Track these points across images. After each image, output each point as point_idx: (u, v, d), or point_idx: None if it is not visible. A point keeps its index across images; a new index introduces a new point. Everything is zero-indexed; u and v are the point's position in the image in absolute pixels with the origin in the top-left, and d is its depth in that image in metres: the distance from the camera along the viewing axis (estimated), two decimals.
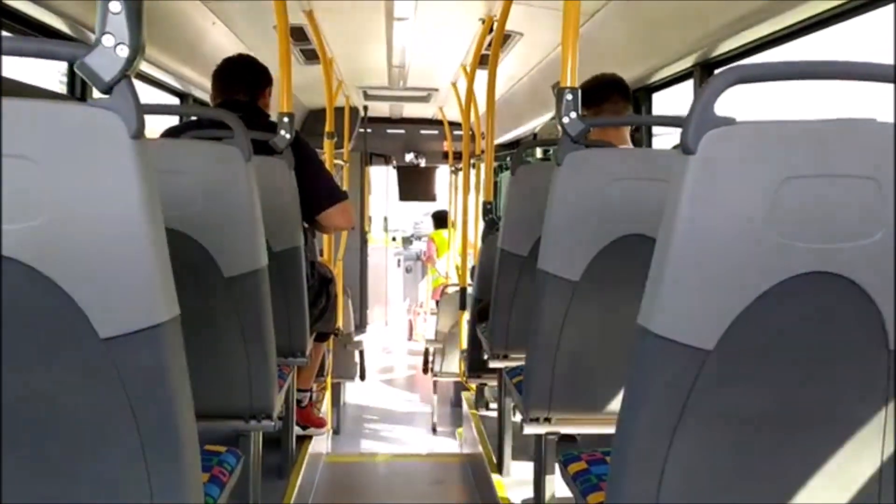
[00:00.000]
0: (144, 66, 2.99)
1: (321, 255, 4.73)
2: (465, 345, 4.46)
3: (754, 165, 1.11)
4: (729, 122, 1.10)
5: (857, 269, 1.14)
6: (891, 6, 2.11)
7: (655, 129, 3.80)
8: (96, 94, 1.01)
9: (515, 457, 3.16)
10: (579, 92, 1.93)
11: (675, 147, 1.18)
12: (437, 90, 6.68)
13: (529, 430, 2.17)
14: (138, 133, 1.00)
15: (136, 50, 0.98)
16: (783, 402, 1.23)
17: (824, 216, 1.13)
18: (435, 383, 6.51)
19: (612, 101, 2.69)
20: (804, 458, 1.26)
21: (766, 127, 1.13)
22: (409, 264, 10.71)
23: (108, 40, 0.97)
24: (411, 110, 8.14)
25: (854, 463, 1.27)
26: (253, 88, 2.82)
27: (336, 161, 5.68)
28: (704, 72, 3.17)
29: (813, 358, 1.20)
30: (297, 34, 4.43)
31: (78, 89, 2.89)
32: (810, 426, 1.24)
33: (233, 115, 1.98)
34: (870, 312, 1.17)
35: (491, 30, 4.13)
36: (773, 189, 1.10)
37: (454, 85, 6.19)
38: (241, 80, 2.82)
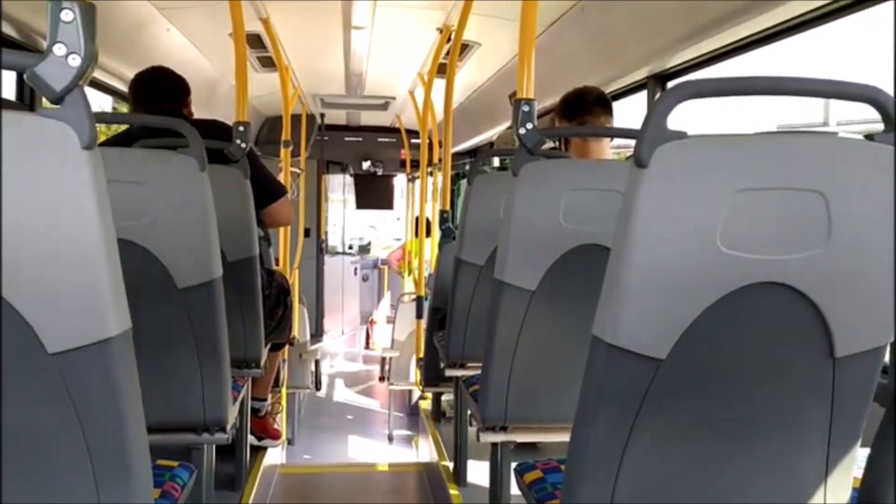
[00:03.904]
0: (96, 73, 2.94)
1: (277, 263, 4.69)
2: (421, 353, 4.46)
3: (706, 178, 1.13)
4: (681, 135, 1.12)
5: (805, 280, 1.17)
6: (843, 20, 2.17)
7: None
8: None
9: (472, 466, 3.17)
10: (535, 103, 1.95)
11: (628, 159, 1.20)
12: (394, 98, 6.68)
13: (486, 438, 2.18)
14: (90, 143, 0.98)
15: (89, 59, 0.96)
16: (733, 408, 1.25)
17: (773, 228, 1.16)
18: (391, 392, 6.49)
19: (593, 113, 2.65)
20: (753, 463, 1.29)
21: (717, 140, 1.15)
22: (365, 273, 10.66)
23: (59, 49, 0.95)
24: (369, 118, 8.12)
25: (801, 468, 1.30)
26: (175, 99, 2.78)
27: (292, 169, 5.65)
28: (658, 83, 3.23)
29: (762, 365, 1.23)
30: (254, 41, 4.39)
31: (27, 97, 2.83)
32: (759, 432, 1.27)
33: (188, 125, 1.96)
34: (816, 322, 1.20)
35: (449, 39, 4.14)
36: (723, 201, 1.13)
37: (412, 93, 6.19)
38: (164, 91, 2.78)
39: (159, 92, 2.74)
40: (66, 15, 0.94)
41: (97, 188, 1.00)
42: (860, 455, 1.31)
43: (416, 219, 5.91)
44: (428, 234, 5.96)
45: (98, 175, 1.00)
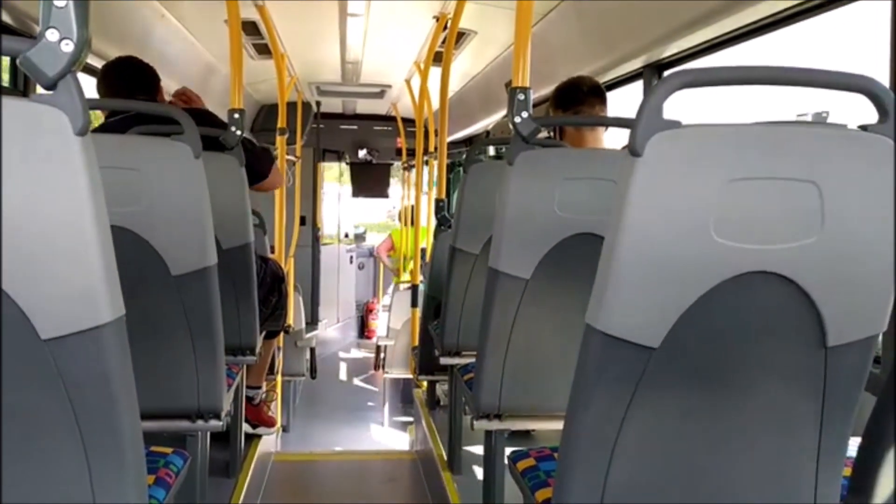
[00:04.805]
0: (89, 59, 2.93)
1: (272, 251, 4.69)
2: (416, 342, 4.47)
3: (699, 168, 1.13)
4: (675, 124, 1.12)
5: (798, 270, 1.18)
6: (833, 12, 2.17)
7: None
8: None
9: (467, 454, 3.18)
10: (531, 91, 1.95)
11: (623, 148, 1.20)
12: (390, 87, 6.66)
13: (480, 426, 2.19)
14: (84, 130, 0.98)
15: (82, 45, 0.95)
16: (726, 397, 1.26)
17: (766, 217, 1.16)
18: (386, 380, 6.50)
19: (588, 103, 2.66)
20: (745, 451, 1.29)
21: (711, 130, 1.15)
22: (361, 261, 10.66)
23: (52, 35, 0.94)
24: (364, 106, 8.10)
25: (792, 456, 1.31)
26: (149, 89, 2.74)
27: (288, 157, 5.64)
28: (653, 72, 3.23)
29: (754, 354, 1.24)
30: (249, 28, 4.37)
31: (21, 83, 2.81)
32: (751, 420, 1.28)
33: (183, 112, 1.95)
34: (809, 311, 1.21)
35: (445, 27, 4.13)
36: (717, 191, 1.13)
37: (408, 82, 6.18)
38: (138, 80, 2.73)
39: (133, 81, 2.70)
40: (59, 0, 0.94)
41: (90, 174, 0.99)
42: (851, 444, 1.32)
43: (412, 207, 5.91)
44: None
45: (91, 161, 1.00)
